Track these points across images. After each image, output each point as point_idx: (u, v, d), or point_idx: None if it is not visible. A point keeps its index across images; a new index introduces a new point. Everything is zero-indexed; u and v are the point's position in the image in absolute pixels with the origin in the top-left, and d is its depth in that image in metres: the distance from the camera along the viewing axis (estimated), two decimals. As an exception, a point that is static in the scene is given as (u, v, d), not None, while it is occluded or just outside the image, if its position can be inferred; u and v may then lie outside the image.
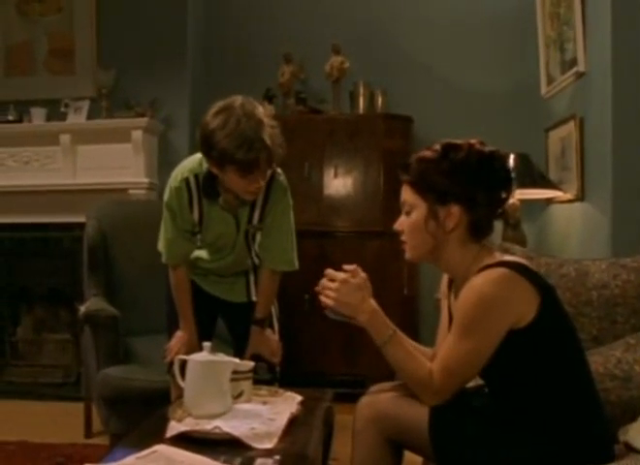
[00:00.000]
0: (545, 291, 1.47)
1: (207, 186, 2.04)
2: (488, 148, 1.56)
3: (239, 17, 4.36)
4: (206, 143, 1.89)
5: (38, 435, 3.12)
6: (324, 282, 1.58)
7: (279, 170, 2.14)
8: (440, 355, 1.50)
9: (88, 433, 3.17)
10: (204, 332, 2.20)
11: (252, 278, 2.36)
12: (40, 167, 3.99)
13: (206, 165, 2.00)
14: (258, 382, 2.00)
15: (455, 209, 1.52)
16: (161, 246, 2.21)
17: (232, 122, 1.84)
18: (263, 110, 1.94)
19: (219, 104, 1.92)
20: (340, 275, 1.56)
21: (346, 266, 1.60)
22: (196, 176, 2.06)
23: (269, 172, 2.04)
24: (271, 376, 2.30)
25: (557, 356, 1.48)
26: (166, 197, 2.13)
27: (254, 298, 2.32)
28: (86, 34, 4.05)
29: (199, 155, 2.04)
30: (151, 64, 4.00)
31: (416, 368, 1.50)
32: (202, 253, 2.28)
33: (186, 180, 2.06)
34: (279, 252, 2.22)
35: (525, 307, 1.44)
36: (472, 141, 1.56)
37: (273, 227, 2.17)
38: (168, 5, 4.04)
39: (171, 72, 3.99)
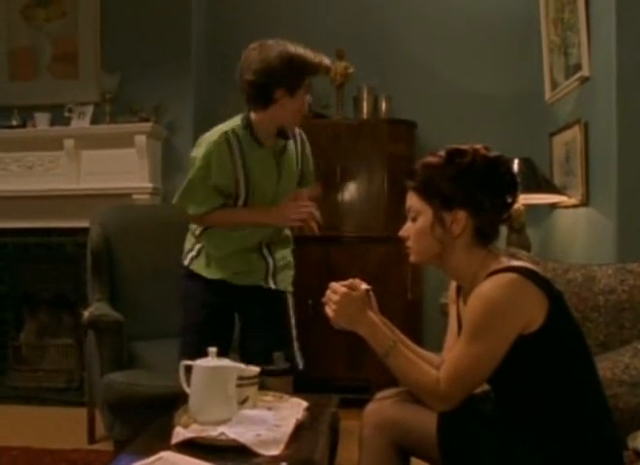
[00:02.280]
0: (553, 296, 1.47)
1: (247, 135, 2.21)
2: (493, 153, 1.56)
3: (242, 22, 4.36)
4: (279, 71, 2.08)
5: (41, 440, 3.12)
6: (328, 294, 1.60)
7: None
8: (449, 360, 1.50)
9: (92, 438, 3.16)
10: (221, 344, 2.20)
11: (271, 263, 2.40)
12: (43, 172, 3.98)
13: (238, 123, 2.20)
14: (275, 373, 2.06)
15: (461, 214, 1.52)
16: (182, 201, 2.29)
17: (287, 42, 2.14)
18: None
19: (256, 47, 2.18)
20: (342, 289, 1.58)
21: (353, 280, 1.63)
22: (233, 131, 2.21)
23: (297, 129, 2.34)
24: (288, 365, 2.29)
25: (565, 362, 1.47)
26: (198, 153, 2.21)
27: (271, 286, 2.38)
28: (90, 39, 4.05)
29: (225, 123, 2.24)
30: (155, 69, 4.00)
31: (420, 377, 1.50)
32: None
33: (226, 134, 2.20)
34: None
35: (534, 313, 1.43)
36: (477, 147, 1.56)
37: (308, 173, 2.46)
38: (172, 9, 4.04)
39: (175, 77, 3.99)
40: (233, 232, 2.33)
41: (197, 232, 2.40)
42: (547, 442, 1.43)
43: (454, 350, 1.51)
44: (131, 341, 2.88)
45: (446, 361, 1.51)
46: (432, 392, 1.47)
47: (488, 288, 1.44)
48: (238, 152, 2.21)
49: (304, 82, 2.14)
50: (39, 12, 4.12)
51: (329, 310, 1.58)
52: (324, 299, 1.61)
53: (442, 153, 1.56)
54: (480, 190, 1.51)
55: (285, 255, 2.47)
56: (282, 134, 2.26)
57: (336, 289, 1.58)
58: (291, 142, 2.34)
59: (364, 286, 1.62)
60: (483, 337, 1.44)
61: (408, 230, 1.60)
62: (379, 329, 1.57)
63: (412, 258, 1.62)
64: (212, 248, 2.37)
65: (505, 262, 1.52)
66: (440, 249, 1.56)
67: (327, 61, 2.15)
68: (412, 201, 1.59)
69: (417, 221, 1.57)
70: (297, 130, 2.35)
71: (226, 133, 2.20)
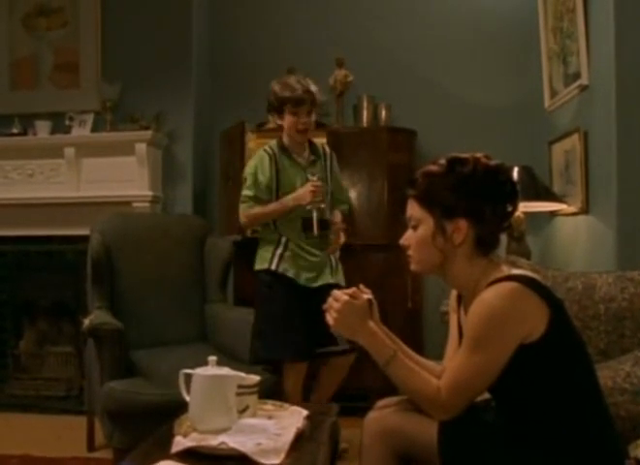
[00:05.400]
0: (555, 305, 1.47)
1: (280, 146, 2.91)
2: (493, 162, 1.56)
3: (243, 31, 4.39)
4: (271, 101, 2.86)
5: (40, 449, 3.10)
6: (330, 301, 1.59)
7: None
8: (450, 369, 1.49)
9: (91, 447, 3.15)
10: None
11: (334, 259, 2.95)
12: (44, 180, 3.99)
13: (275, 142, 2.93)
14: (336, 353, 2.71)
15: (462, 223, 1.52)
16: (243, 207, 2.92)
17: (285, 80, 2.86)
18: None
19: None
20: (344, 297, 1.57)
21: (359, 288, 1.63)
22: (271, 147, 2.92)
23: (327, 147, 3.07)
24: (349, 346, 2.62)
25: (566, 371, 1.46)
26: (248, 169, 2.91)
27: (341, 282, 2.88)
28: (91, 48, 4.07)
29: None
30: (156, 77, 4.02)
31: (421, 386, 1.49)
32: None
33: (265, 150, 2.92)
34: (342, 198, 3.09)
35: (535, 322, 1.43)
36: (478, 155, 1.56)
37: (336, 184, 3.05)
38: (173, 18, 4.06)
39: (175, 85, 4.01)
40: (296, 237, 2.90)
41: None
42: (548, 451, 1.42)
43: (455, 359, 1.51)
44: (131, 349, 2.87)
45: (447, 370, 1.51)
46: (433, 401, 1.47)
47: (489, 297, 1.44)
48: (273, 162, 2.88)
49: (285, 108, 2.82)
50: (40, 21, 4.14)
51: (329, 318, 1.58)
52: (325, 306, 1.60)
53: (443, 162, 1.56)
54: (481, 199, 1.51)
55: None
56: (314, 152, 2.96)
57: (339, 297, 1.58)
58: (321, 160, 2.98)
59: (366, 295, 1.62)
60: (484, 346, 1.43)
61: (409, 238, 1.60)
62: (379, 339, 1.57)
63: (413, 267, 1.62)
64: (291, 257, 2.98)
65: (506, 270, 1.52)
66: (441, 258, 1.55)
67: (300, 92, 2.80)
68: (413, 209, 1.58)
69: (418, 230, 1.57)
70: (327, 150, 3.04)
71: (265, 149, 2.92)
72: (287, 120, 2.83)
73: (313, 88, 2.83)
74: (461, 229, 1.52)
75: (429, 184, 1.55)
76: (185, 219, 3.68)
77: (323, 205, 2.79)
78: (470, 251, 1.54)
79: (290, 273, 2.82)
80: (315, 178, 2.79)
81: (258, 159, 2.91)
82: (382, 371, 1.55)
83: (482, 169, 1.53)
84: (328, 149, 3.04)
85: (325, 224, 2.85)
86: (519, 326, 1.42)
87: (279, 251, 2.85)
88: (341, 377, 2.95)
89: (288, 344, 2.75)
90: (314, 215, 2.75)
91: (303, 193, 2.77)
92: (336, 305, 1.56)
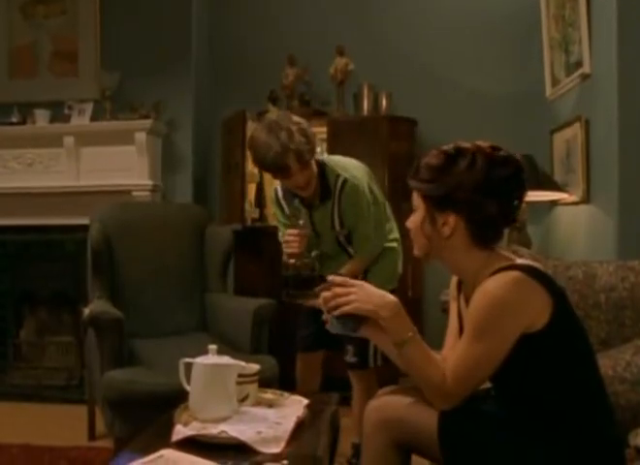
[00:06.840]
0: (557, 294, 1.46)
1: (285, 192, 2.54)
2: (499, 154, 1.50)
3: (243, 19, 4.37)
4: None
5: (41, 438, 3.12)
6: (336, 290, 1.54)
7: (347, 174, 2.45)
8: (452, 358, 1.49)
9: (92, 436, 3.16)
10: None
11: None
12: (43, 169, 3.98)
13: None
14: (346, 365, 2.47)
15: (451, 218, 1.50)
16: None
17: (261, 137, 2.26)
18: (294, 119, 2.31)
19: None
20: (353, 280, 1.56)
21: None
22: (283, 188, 2.56)
23: (341, 178, 2.43)
24: (356, 360, 2.46)
25: (568, 361, 1.46)
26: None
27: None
28: (90, 36, 4.05)
29: None
30: (155, 66, 4.00)
31: (432, 372, 1.48)
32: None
33: (275, 190, 2.62)
34: (363, 243, 2.53)
35: (538, 311, 1.43)
36: (482, 146, 1.51)
37: (354, 225, 2.49)
38: (172, 6, 4.04)
39: (175, 74, 3.99)
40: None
41: None
42: (548, 440, 1.43)
43: (457, 348, 1.50)
44: (131, 339, 2.87)
45: (450, 360, 1.50)
46: (439, 389, 1.46)
47: (492, 286, 1.43)
48: (284, 204, 2.57)
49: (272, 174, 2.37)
50: (38, 9, 4.12)
51: (346, 304, 1.51)
52: (326, 295, 1.54)
53: (444, 152, 1.53)
54: (479, 194, 1.47)
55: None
56: (324, 191, 2.45)
57: (344, 281, 1.54)
58: (330, 201, 2.47)
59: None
60: (486, 336, 1.42)
61: (410, 222, 1.60)
62: (403, 314, 1.51)
63: (414, 251, 1.63)
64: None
65: (509, 259, 1.51)
66: (429, 246, 1.56)
67: (280, 153, 2.22)
68: (414, 195, 1.59)
69: (415, 215, 1.58)
70: (339, 184, 2.45)
71: (275, 189, 2.61)
72: (281, 183, 2.42)
73: (296, 143, 2.22)
74: (449, 223, 1.51)
75: (425, 176, 1.54)
76: (185, 208, 3.67)
77: (307, 260, 2.25)
78: (466, 243, 1.52)
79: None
80: (301, 223, 2.30)
81: (271, 204, 2.75)
82: (394, 347, 1.50)
83: (482, 162, 1.48)
84: (341, 181, 2.43)
85: (308, 282, 2.21)
86: (521, 316, 1.42)
87: None
88: (358, 401, 2.54)
89: (300, 334, 2.74)
90: (296, 271, 2.22)
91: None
92: (352, 289, 1.52)
